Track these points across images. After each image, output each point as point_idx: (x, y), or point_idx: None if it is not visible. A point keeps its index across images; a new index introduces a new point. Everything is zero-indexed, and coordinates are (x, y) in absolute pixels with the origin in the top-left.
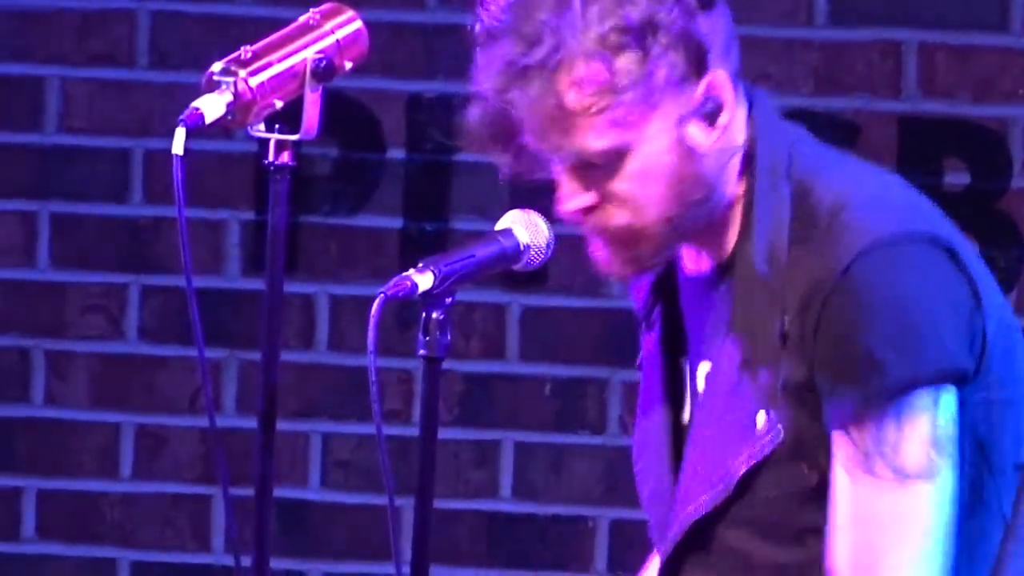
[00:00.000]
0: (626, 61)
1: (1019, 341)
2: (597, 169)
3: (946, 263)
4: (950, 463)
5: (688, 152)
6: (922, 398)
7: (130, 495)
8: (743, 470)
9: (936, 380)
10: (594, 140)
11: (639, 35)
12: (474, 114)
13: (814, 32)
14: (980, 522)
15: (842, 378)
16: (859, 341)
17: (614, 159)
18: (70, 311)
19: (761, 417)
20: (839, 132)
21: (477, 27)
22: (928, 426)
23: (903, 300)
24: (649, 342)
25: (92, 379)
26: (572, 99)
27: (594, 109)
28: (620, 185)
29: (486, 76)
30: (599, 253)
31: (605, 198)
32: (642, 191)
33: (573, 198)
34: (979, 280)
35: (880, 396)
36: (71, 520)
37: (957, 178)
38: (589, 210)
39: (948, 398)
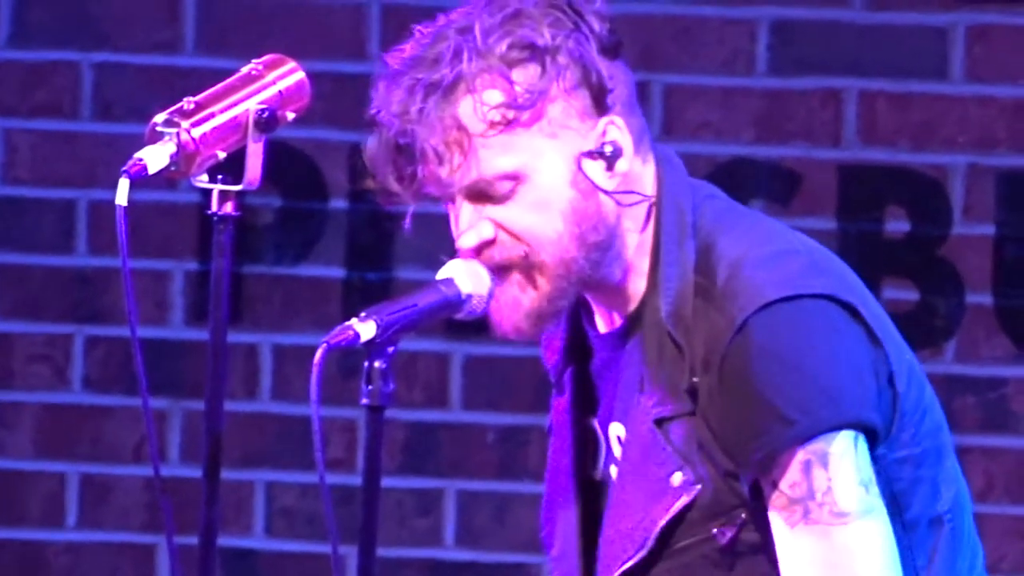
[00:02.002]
0: (524, 75)
1: (930, 393)
2: (493, 199)
3: (844, 320)
4: (881, 503)
5: (587, 191)
6: (841, 442)
7: (75, 544)
8: (660, 525)
9: (843, 427)
10: (491, 163)
11: (539, 52)
12: (373, 142)
13: (754, 80)
14: None
15: (748, 432)
16: (756, 396)
17: (511, 187)
18: (15, 361)
19: (677, 477)
20: (780, 180)
21: (383, 69)
22: (853, 467)
23: (800, 353)
24: (560, 405)
25: (37, 428)
26: (470, 117)
27: (493, 127)
28: (516, 215)
29: (387, 104)
30: (499, 305)
31: (501, 231)
32: (539, 223)
33: (471, 230)
34: (883, 337)
35: (787, 445)
36: (17, 569)
37: (898, 225)
38: (487, 245)
39: (863, 444)
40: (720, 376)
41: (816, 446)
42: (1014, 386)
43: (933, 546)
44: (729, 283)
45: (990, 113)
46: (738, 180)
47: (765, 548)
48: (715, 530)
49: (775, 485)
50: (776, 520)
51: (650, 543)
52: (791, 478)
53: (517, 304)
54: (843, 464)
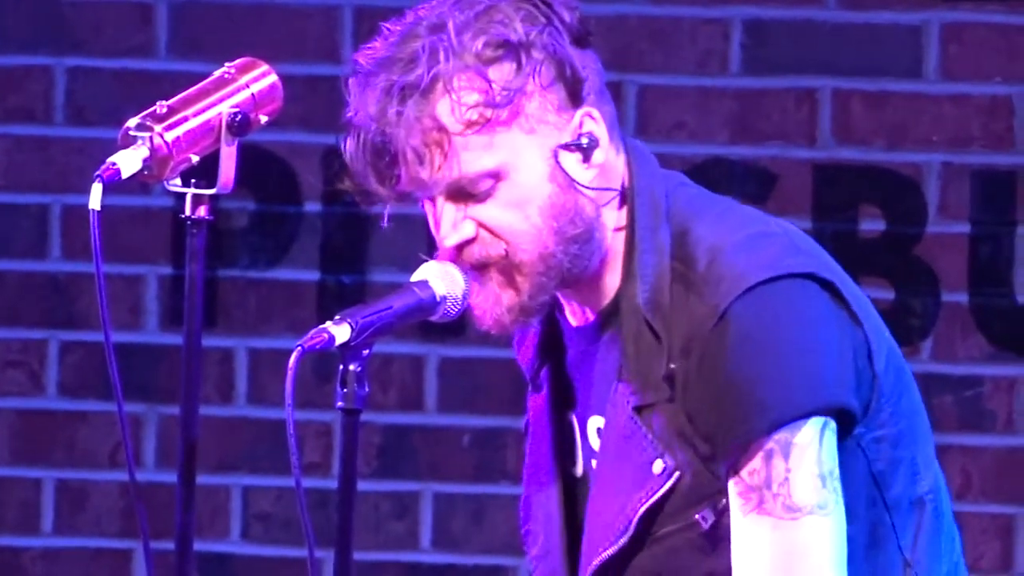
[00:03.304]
0: (500, 73)
1: (908, 375)
2: (474, 197)
3: (825, 300)
4: (838, 497)
5: (566, 184)
6: (806, 433)
7: (51, 550)
8: (640, 511)
9: (816, 413)
10: (471, 162)
11: (514, 49)
12: (351, 145)
13: (729, 81)
14: (880, 560)
15: (726, 420)
16: (738, 382)
17: (491, 185)
18: None
19: (658, 465)
20: (755, 180)
21: (355, 68)
22: (814, 460)
23: (779, 338)
24: (537, 402)
25: (12, 434)
26: (448, 117)
27: (471, 126)
28: (497, 213)
29: (363, 105)
30: (480, 302)
31: (482, 229)
32: (519, 220)
33: (452, 230)
34: (863, 316)
35: (762, 432)
36: None
37: (873, 225)
38: (467, 244)
39: (830, 434)
40: (699, 363)
41: (782, 435)
42: (990, 384)
43: (916, 526)
44: (710, 269)
45: (965, 112)
46: (713, 180)
47: None
48: (697, 516)
49: (736, 470)
50: (732, 504)
51: (631, 530)
52: (752, 465)
53: (497, 300)
54: (805, 455)
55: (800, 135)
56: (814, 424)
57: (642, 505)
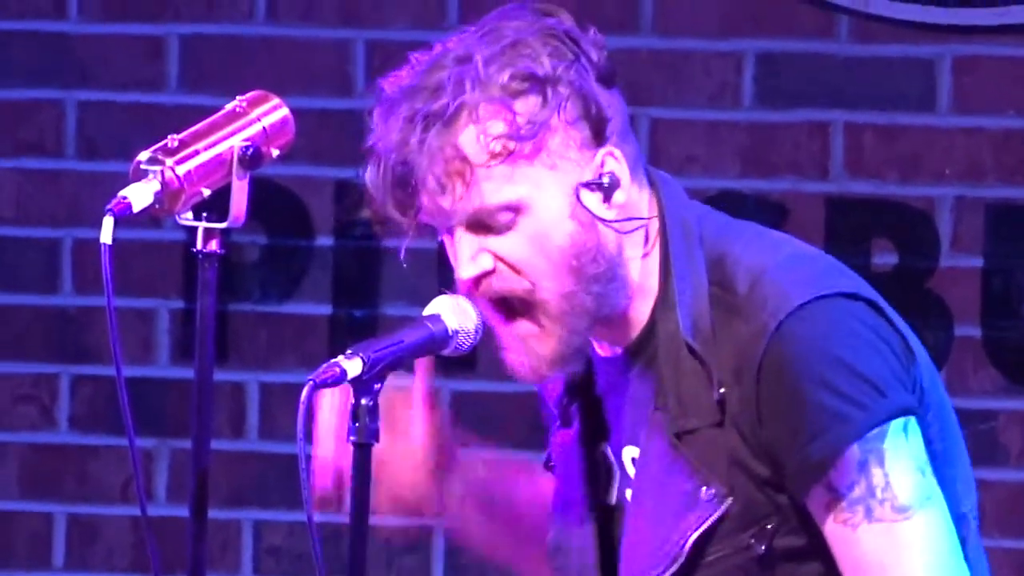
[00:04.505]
0: (526, 106)
1: (945, 395)
2: (493, 230)
3: (873, 315)
4: (936, 484)
5: (586, 223)
6: (891, 434)
7: None
8: (692, 536)
9: (895, 414)
10: (492, 193)
11: (540, 83)
12: (372, 172)
13: (741, 114)
14: None
15: (802, 438)
16: (807, 397)
17: (511, 218)
18: (1, 401)
19: (705, 490)
20: (767, 213)
21: (379, 96)
22: (907, 456)
23: (839, 350)
24: (565, 437)
25: (23, 469)
26: (472, 147)
27: (495, 157)
28: (516, 247)
29: (386, 132)
30: (513, 346)
31: (500, 263)
32: (538, 255)
33: (470, 262)
34: (906, 333)
35: (847, 442)
36: None
37: (885, 258)
38: (485, 276)
39: (913, 427)
40: (759, 383)
41: (871, 441)
42: (1004, 418)
43: (963, 539)
44: (753, 290)
45: (977, 144)
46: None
47: (801, 554)
48: (750, 540)
49: (832, 488)
50: (835, 524)
51: (682, 558)
52: (849, 479)
53: (531, 349)
54: (898, 456)
55: (812, 168)
56: (896, 425)
57: (694, 531)
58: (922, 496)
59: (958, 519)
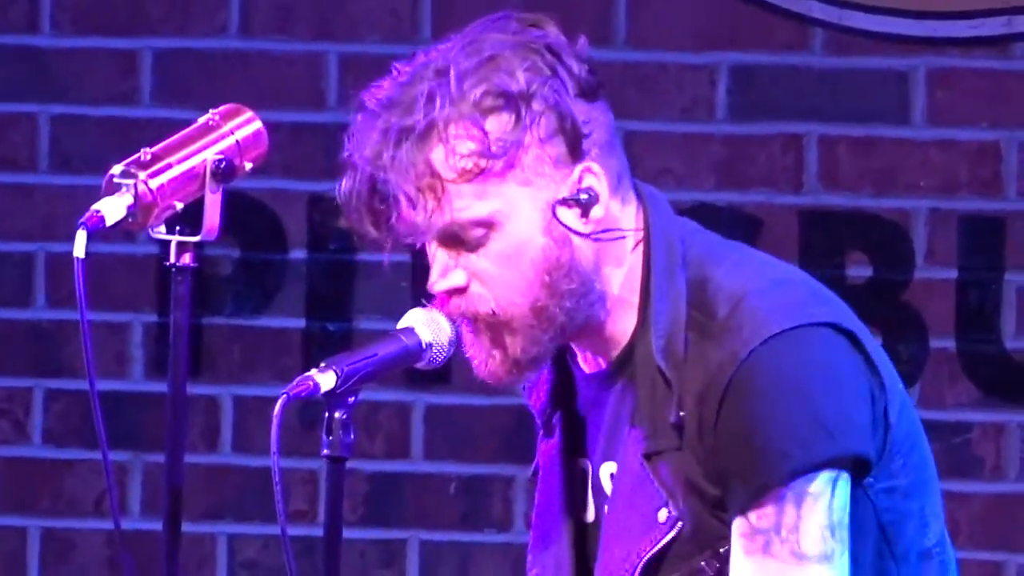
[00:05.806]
0: (499, 124)
1: (919, 427)
2: (466, 245)
3: (847, 349)
4: (844, 548)
5: (561, 238)
6: (820, 482)
7: None
8: (644, 559)
9: (835, 465)
10: (464, 209)
11: (513, 100)
12: (346, 185)
13: (715, 127)
14: None
15: (743, 468)
16: (759, 432)
17: (483, 234)
18: None
19: (663, 513)
20: (741, 226)
21: (359, 106)
22: (825, 510)
23: (799, 386)
24: (548, 447)
25: None
26: (444, 163)
27: (465, 175)
28: (488, 264)
29: (361, 145)
30: (475, 353)
31: (474, 280)
32: (510, 271)
33: (443, 276)
34: (880, 365)
35: (780, 481)
36: None
37: (860, 271)
38: (457, 293)
39: (843, 484)
40: (719, 410)
41: (797, 483)
42: (979, 431)
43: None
44: (731, 316)
45: (952, 157)
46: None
47: None
48: (702, 563)
49: (744, 511)
50: (736, 544)
51: (636, 573)
52: (763, 509)
53: (490, 354)
54: (817, 505)
55: (786, 181)
56: (829, 474)
57: (646, 553)
58: (824, 552)
59: (920, 555)
